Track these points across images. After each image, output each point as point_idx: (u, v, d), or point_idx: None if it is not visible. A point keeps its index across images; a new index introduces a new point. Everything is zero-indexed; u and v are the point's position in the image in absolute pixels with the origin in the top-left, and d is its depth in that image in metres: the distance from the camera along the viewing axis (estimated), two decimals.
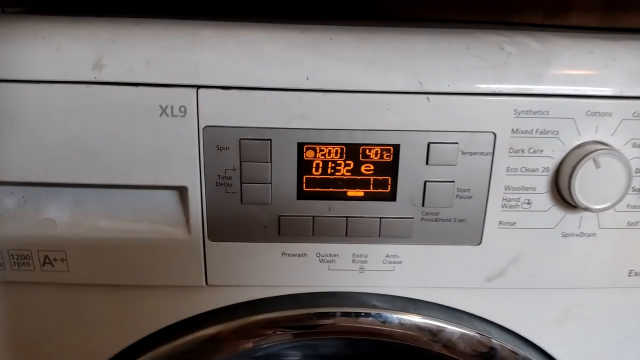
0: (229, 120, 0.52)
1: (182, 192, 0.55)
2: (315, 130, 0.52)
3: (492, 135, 0.53)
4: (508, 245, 0.57)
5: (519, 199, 0.55)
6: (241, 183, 0.54)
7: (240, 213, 0.55)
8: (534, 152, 0.54)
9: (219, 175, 0.54)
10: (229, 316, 0.58)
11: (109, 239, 0.55)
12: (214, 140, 0.52)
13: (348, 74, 0.51)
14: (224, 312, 0.58)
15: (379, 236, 0.56)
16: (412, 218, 0.55)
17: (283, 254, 0.57)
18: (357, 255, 0.57)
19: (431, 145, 0.53)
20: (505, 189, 0.55)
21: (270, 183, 0.54)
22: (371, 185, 0.54)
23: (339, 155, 0.54)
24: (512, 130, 0.53)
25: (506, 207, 0.56)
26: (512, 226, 0.56)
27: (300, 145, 0.53)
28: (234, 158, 0.53)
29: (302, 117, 0.52)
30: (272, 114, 0.52)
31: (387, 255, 0.57)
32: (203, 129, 0.52)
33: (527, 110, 0.53)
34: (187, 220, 0.55)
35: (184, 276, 0.57)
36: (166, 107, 0.51)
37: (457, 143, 0.53)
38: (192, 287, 0.58)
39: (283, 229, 0.55)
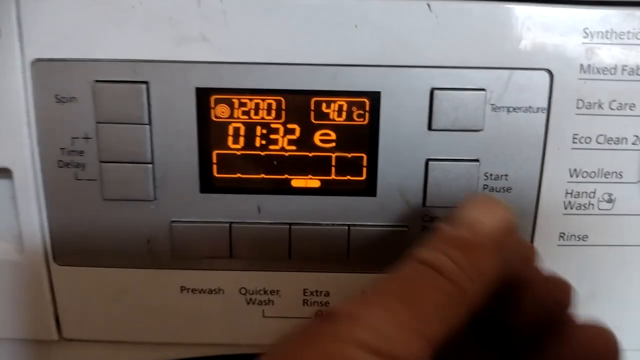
0: (76, 50, 0.29)
1: (1, 179, 0.31)
2: (228, 65, 0.29)
3: (547, 76, 0.30)
4: (576, 275, 0.33)
5: (595, 192, 0.31)
6: (100, 162, 0.30)
7: (103, 216, 0.31)
8: (621, 107, 0.30)
9: (62, 149, 0.30)
10: None
11: None
12: (49, 84, 0.29)
13: None
14: None
15: (348, 258, 0.32)
16: (406, 227, 0.31)
17: (182, 289, 0.33)
18: (312, 293, 0.33)
19: (436, 93, 0.29)
20: (572, 175, 0.31)
21: (152, 162, 0.30)
22: (333, 168, 0.31)
23: (274, 113, 0.30)
24: (582, 67, 0.30)
25: (572, 207, 0.32)
26: (582, 242, 0.32)
27: (203, 95, 0.30)
28: (86, 117, 0.30)
29: (204, 40, 0.29)
30: (149, 35, 0.29)
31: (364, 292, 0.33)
32: (30, 63, 0.29)
33: (609, 31, 0.29)
34: (19, 231, 0.32)
35: (24, 324, 0.33)
36: None
37: (483, 90, 0.30)
38: (38, 343, 0.34)
39: (178, 246, 0.31)
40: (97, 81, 0.29)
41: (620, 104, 0.30)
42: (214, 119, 0.30)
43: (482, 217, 0.25)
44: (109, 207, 0.31)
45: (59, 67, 0.29)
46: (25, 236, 0.32)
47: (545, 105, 0.30)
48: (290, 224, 0.31)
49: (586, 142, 0.31)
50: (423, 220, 0.31)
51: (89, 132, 0.30)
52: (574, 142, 0.31)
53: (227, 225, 0.31)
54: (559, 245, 0.32)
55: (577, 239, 0.32)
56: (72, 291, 0.33)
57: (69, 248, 0.32)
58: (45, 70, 0.29)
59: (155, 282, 0.33)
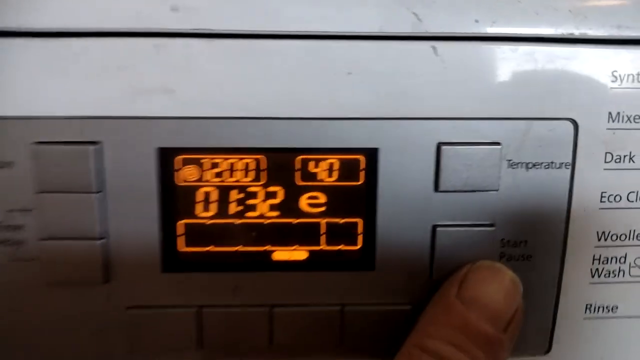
0: (11, 106, 0.24)
1: None
2: (195, 120, 0.24)
3: (571, 126, 0.25)
4: (605, 353, 0.28)
5: (625, 257, 0.27)
6: (41, 240, 0.25)
7: (45, 304, 0.26)
8: None
9: None
10: None
11: None
12: None
13: (263, 3, 0.24)
14: None
15: (342, 344, 0.27)
16: (410, 305, 0.27)
17: None
18: None
19: (444, 148, 0.25)
20: (599, 239, 0.27)
21: (104, 237, 0.25)
22: (322, 237, 0.26)
23: (252, 174, 0.25)
24: (611, 115, 0.25)
25: (600, 275, 0.27)
26: (612, 315, 0.28)
27: (166, 155, 0.25)
28: (25, 185, 0.24)
29: (165, 92, 0.24)
30: (99, 88, 0.24)
31: None
32: None
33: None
34: None
35: None
36: None
37: (498, 144, 0.25)
38: None
39: (136, 337, 0.26)
40: (38, 142, 0.24)
41: None
42: (180, 183, 0.25)
43: (497, 297, 0.23)
44: (53, 293, 0.25)
45: None
46: None
47: (569, 160, 0.26)
48: (272, 306, 0.26)
49: (616, 201, 0.26)
50: (430, 297, 0.27)
51: (28, 204, 0.25)
52: (602, 202, 0.26)
53: (196, 309, 0.26)
54: (585, 318, 0.28)
55: (606, 310, 0.28)
56: None
57: (2, 345, 0.26)
58: None
59: None
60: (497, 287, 0.23)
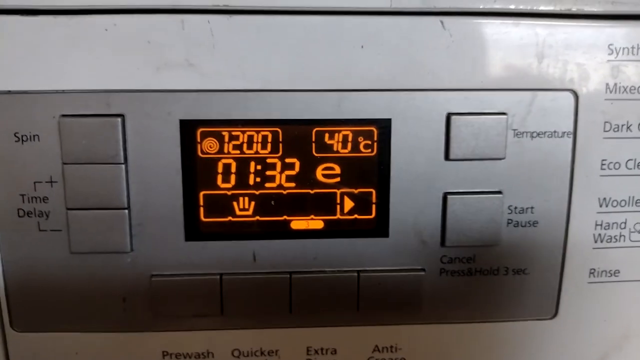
0: (38, 80, 0.25)
1: None
2: (217, 93, 0.25)
3: (572, 97, 0.27)
4: (608, 316, 0.30)
5: (626, 223, 0.28)
6: (67, 210, 0.26)
7: (71, 272, 0.26)
8: None
9: (23, 196, 0.26)
10: None
11: None
12: (7, 121, 0.25)
13: None
14: None
15: (358, 309, 0.28)
16: (423, 271, 0.28)
17: (165, 354, 0.28)
18: (316, 351, 0.29)
19: (453, 118, 0.26)
20: (601, 205, 0.28)
21: (128, 207, 0.26)
22: (338, 207, 0.27)
23: (269, 146, 0.26)
24: (608, 86, 0.27)
25: (603, 240, 0.28)
26: (614, 277, 0.29)
27: (188, 127, 0.26)
28: (51, 157, 0.25)
29: (189, 66, 0.25)
30: (125, 62, 0.25)
31: (376, 349, 0.29)
32: None
33: (635, 47, 0.27)
34: None
35: None
36: None
37: (504, 114, 0.26)
38: None
39: (160, 303, 0.27)
40: (64, 115, 0.25)
41: None
42: (201, 155, 0.26)
43: None
44: (78, 261, 0.26)
45: (18, 100, 0.25)
46: None
47: (571, 129, 0.27)
48: (291, 273, 0.27)
49: (615, 168, 0.28)
50: (442, 262, 0.28)
51: (55, 175, 0.26)
52: (602, 169, 0.28)
53: (217, 277, 0.27)
54: (589, 282, 0.29)
55: (609, 274, 0.29)
56: None
57: (30, 311, 0.27)
58: (2, 104, 0.25)
59: (134, 348, 0.28)
60: None
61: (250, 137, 0.26)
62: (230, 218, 0.27)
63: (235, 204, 0.27)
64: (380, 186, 0.27)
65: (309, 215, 0.27)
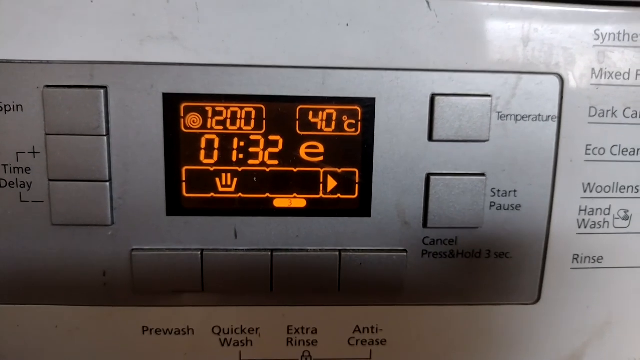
0: (22, 50, 0.25)
1: None
2: (200, 67, 0.25)
3: (557, 81, 0.27)
4: (591, 302, 0.30)
5: (610, 209, 0.28)
6: (49, 180, 0.26)
7: (52, 245, 0.26)
8: (636, 115, 0.27)
9: (5, 166, 0.26)
10: None
11: None
12: None
13: None
14: None
15: (339, 291, 0.28)
16: (405, 251, 0.28)
17: (145, 329, 0.28)
18: (297, 330, 0.29)
19: (438, 99, 0.26)
20: (585, 190, 0.28)
21: (110, 180, 0.26)
22: (321, 186, 0.27)
23: (253, 123, 0.26)
24: (594, 71, 0.27)
25: (587, 226, 0.28)
26: (597, 264, 0.29)
27: (172, 101, 0.26)
28: (34, 128, 0.25)
29: (173, 39, 0.25)
30: (109, 33, 0.25)
31: (357, 330, 0.29)
32: None
33: (621, 33, 0.27)
34: None
35: None
36: None
37: (489, 96, 0.26)
38: None
39: (140, 278, 0.27)
40: (47, 86, 0.25)
41: (635, 111, 0.27)
42: (184, 129, 0.26)
43: None
44: (59, 233, 0.26)
45: (2, 70, 0.25)
46: None
47: (556, 113, 0.27)
48: (272, 250, 0.27)
49: (600, 154, 0.28)
50: (424, 243, 0.28)
51: (37, 146, 0.26)
52: (587, 154, 0.28)
53: (199, 253, 0.27)
54: (572, 268, 0.29)
55: (592, 260, 0.29)
56: (14, 335, 0.28)
57: (11, 283, 0.27)
58: None
59: (113, 322, 0.28)
60: None
61: (234, 113, 0.26)
62: (212, 194, 0.27)
63: (217, 180, 0.27)
64: (364, 166, 0.27)
65: (291, 194, 0.27)
